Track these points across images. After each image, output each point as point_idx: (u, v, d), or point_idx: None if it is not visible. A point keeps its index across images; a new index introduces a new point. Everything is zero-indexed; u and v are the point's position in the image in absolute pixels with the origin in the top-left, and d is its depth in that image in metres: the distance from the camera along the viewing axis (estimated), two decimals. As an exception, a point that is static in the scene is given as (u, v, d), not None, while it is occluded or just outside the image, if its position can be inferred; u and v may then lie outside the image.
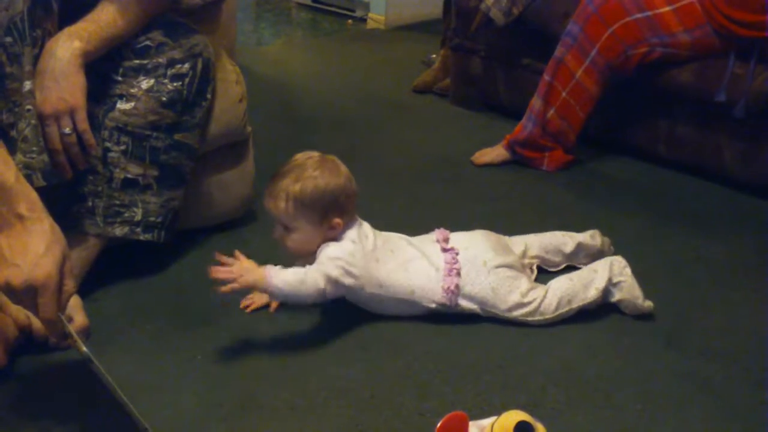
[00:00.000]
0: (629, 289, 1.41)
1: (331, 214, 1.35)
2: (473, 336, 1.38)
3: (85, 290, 1.43)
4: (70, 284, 1.06)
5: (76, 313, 1.34)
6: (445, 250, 1.42)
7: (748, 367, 1.29)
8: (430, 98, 2.83)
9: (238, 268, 1.28)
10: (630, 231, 1.78)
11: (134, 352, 1.33)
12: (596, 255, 1.55)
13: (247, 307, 1.44)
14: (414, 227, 1.51)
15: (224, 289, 1.26)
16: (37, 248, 1.01)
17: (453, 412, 0.92)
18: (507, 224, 1.80)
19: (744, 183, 1.97)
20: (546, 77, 2.09)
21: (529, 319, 1.39)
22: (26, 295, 1.01)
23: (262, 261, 1.37)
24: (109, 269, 1.51)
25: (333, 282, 1.32)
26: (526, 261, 1.51)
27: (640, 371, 1.28)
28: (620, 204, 1.94)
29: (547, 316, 1.39)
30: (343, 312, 1.42)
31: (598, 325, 1.41)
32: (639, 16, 1.96)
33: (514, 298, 1.38)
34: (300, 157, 1.39)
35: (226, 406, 1.19)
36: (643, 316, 1.43)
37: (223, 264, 1.29)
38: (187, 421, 1.16)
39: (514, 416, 0.87)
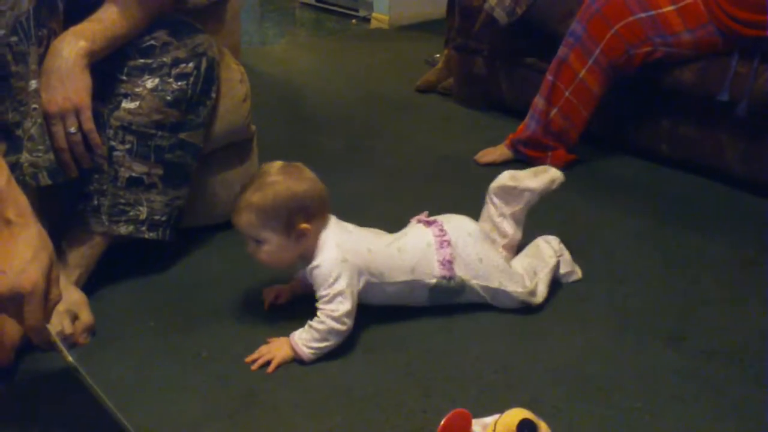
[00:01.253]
0: (569, 263, 1.54)
1: (296, 220, 1.30)
2: (475, 334, 1.38)
3: (90, 288, 1.45)
4: (55, 292, 1.04)
5: (82, 311, 1.35)
6: (429, 224, 1.43)
7: (750, 365, 1.29)
8: (434, 98, 2.83)
9: (267, 350, 1.30)
10: (632, 229, 1.79)
11: (138, 349, 1.34)
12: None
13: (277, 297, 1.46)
14: (417, 226, 1.51)
15: (270, 370, 1.28)
16: (23, 255, 0.99)
17: (456, 409, 0.93)
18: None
19: (745, 182, 1.97)
20: (549, 77, 2.10)
21: (518, 290, 1.42)
22: (11, 302, 0.99)
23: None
24: (114, 267, 1.52)
25: (353, 307, 1.31)
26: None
27: (642, 370, 1.28)
28: (622, 202, 1.94)
29: (529, 288, 1.43)
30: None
31: (599, 324, 1.41)
32: (642, 15, 1.96)
33: (501, 268, 1.42)
34: (264, 166, 1.37)
35: (228, 404, 1.20)
36: (646, 315, 1.43)
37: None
38: (189, 417, 1.17)
39: (517, 414, 0.88)
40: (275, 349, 1.30)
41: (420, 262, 1.38)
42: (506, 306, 1.43)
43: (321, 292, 1.31)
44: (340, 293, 1.29)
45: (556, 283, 1.51)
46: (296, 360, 1.30)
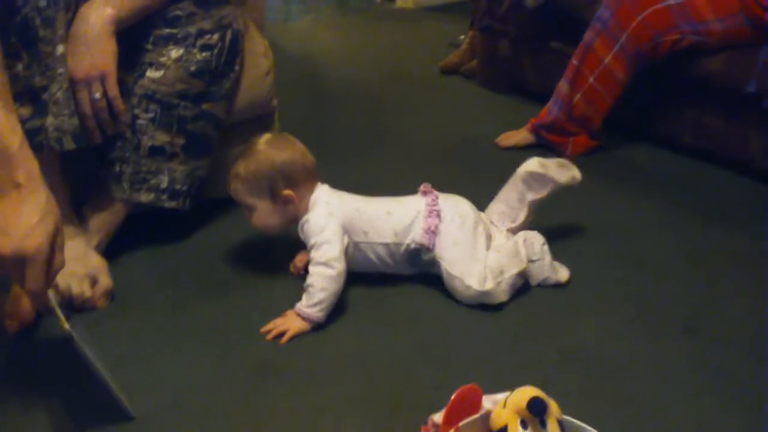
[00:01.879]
0: (547, 269, 1.45)
1: (279, 186, 1.38)
2: (490, 314, 1.39)
3: (110, 254, 1.46)
4: (59, 259, 1.04)
5: (102, 275, 1.38)
6: (425, 193, 1.45)
7: (764, 358, 1.29)
8: (457, 79, 2.82)
9: (282, 321, 1.32)
10: (651, 218, 1.78)
11: (156, 315, 1.36)
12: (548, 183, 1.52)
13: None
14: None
15: (283, 340, 1.29)
16: (30, 218, 0.99)
17: (467, 384, 0.93)
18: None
19: (770, 175, 1.95)
20: (574, 62, 2.08)
21: (473, 286, 1.37)
22: (14, 264, 0.99)
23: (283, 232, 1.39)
24: (134, 235, 1.54)
25: (340, 253, 1.34)
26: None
27: (655, 357, 1.28)
28: (643, 191, 1.93)
29: (485, 289, 1.37)
30: (364, 286, 1.44)
31: (614, 310, 1.41)
32: (671, 2, 1.94)
33: (471, 259, 1.39)
34: (252, 139, 1.45)
35: (244, 371, 1.22)
36: (661, 304, 1.43)
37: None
38: (205, 383, 1.19)
39: (528, 392, 0.88)
40: (290, 321, 1.32)
41: (406, 227, 1.41)
42: (459, 296, 1.40)
43: (310, 243, 1.36)
44: (327, 241, 1.35)
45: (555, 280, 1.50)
46: (313, 330, 1.32)
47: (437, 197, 1.44)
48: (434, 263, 1.42)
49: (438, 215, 1.41)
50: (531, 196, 1.51)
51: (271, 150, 1.41)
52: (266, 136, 1.45)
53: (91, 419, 1.11)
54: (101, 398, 1.10)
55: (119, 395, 1.08)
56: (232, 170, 1.42)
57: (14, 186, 1.00)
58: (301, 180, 1.41)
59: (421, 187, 1.49)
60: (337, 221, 1.38)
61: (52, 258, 1.02)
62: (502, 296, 1.40)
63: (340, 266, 1.34)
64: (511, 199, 1.52)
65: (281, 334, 1.30)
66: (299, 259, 1.50)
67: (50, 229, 1.01)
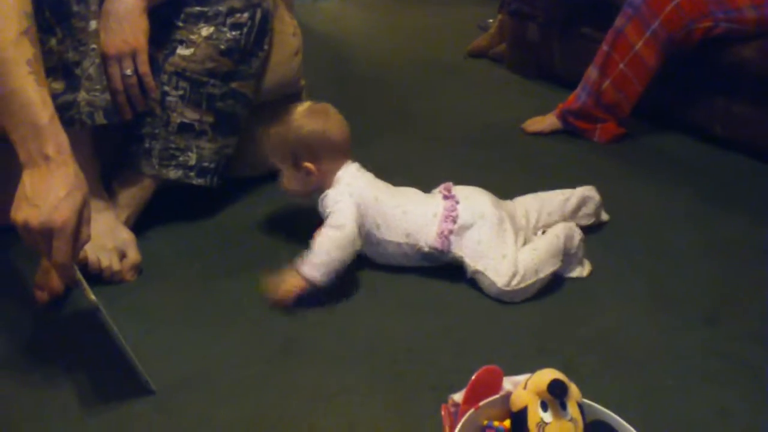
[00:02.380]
0: (575, 263, 1.44)
1: (301, 157, 1.41)
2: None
3: (138, 229, 1.49)
4: (86, 232, 1.05)
5: (130, 249, 1.40)
6: (446, 197, 1.43)
7: (789, 350, 1.28)
8: (485, 63, 2.81)
9: (274, 283, 1.32)
10: (678, 208, 1.76)
11: (182, 290, 1.38)
12: (597, 211, 1.58)
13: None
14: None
15: (282, 303, 1.31)
16: (58, 191, 1.01)
17: (488, 366, 0.94)
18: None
19: (801, 167, 1.93)
20: (604, 47, 2.06)
21: (498, 282, 1.34)
22: (42, 236, 1.01)
23: (308, 211, 1.40)
24: (162, 210, 1.56)
25: (351, 221, 1.34)
26: (532, 229, 1.50)
27: (677, 346, 1.28)
28: (670, 180, 1.91)
29: (512, 288, 1.35)
30: (386, 270, 1.44)
31: (636, 299, 1.40)
32: (705, -11, 1.91)
33: (497, 254, 1.36)
34: (299, 103, 1.47)
35: (269, 349, 1.23)
36: (685, 295, 1.42)
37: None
38: (230, 359, 1.20)
39: (549, 374, 0.89)
40: (283, 281, 1.31)
41: (420, 229, 1.39)
42: (485, 289, 1.38)
43: (325, 211, 1.38)
44: (339, 210, 1.36)
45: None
46: (309, 289, 1.31)
47: (457, 202, 1.41)
48: (454, 261, 1.41)
49: (454, 220, 1.39)
50: (581, 221, 1.53)
51: (303, 120, 1.42)
52: (307, 104, 1.47)
53: (113, 392, 1.12)
54: (124, 371, 1.12)
55: (141, 369, 1.10)
56: (271, 130, 1.46)
57: (44, 159, 1.02)
58: (325, 155, 1.42)
59: (442, 188, 1.46)
60: (354, 202, 1.38)
61: (78, 231, 1.04)
62: (528, 294, 1.38)
63: (350, 230, 1.33)
64: (553, 212, 1.52)
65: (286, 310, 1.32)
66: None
67: (78, 202, 1.03)
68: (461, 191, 1.45)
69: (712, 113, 2.08)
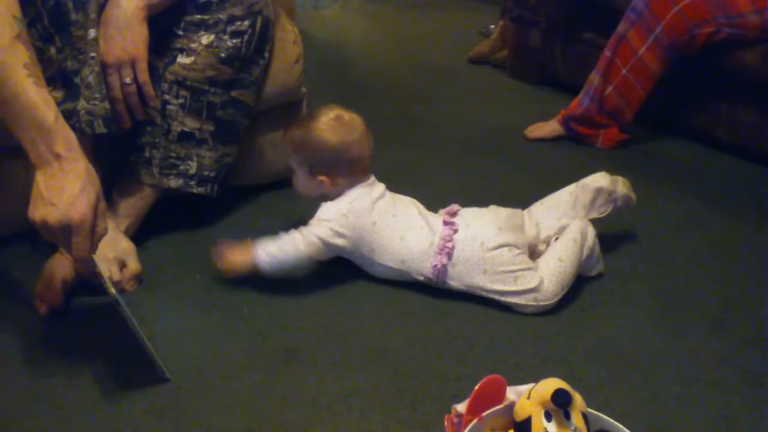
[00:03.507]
0: (595, 260, 1.43)
1: (317, 167, 1.40)
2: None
3: (139, 238, 1.48)
4: (102, 225, 1.08)
5: (130, 259, 1.39)
6: (445, 223, 1.39)
7: (795, 357, 1.27)
8: (486, 69, 2.81)
9: (222, 252, 1.36)
10: (682, 213, 1.75)
11: (183, 299, 1.37)
12: (614, 196, 1.48)
13: None
14: (460, 198, 1.50)
15: (226, 272, 1.37)
16: (72, 188, 1.03)
17: (491, 375, 0.93)
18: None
19: (805, 172, 1.92)
20: (607, 53, 2.05)
21: (521, 303, 1.34)
22: (62, 233, 1.03)
23: (306, 220, 1.40)
24: (162, 220, 1.56)
25: (321, 243, 1.36)
26: (539, 244, 1.45)
27: (682, 354, 1.27)
28: (674, 186, 1.90)
29: (543, 303, 1.34)
30: (386, 280, 1.43)
31: (641, 306, 1.40)
32: (708, -6, 1.90)
33: (507, 282, 1.34)
34: (325, 108, 1.44)
35: (268, 358, 1.22)
36: (689, 301, 1.41)
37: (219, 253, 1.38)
38: (229, 368, 1.20)
39: (553, 383, 0.88)
40: (237, 252, 1.37)
41: (415, 258, 1.37)
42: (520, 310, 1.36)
43: (313, 217, 1.39)
44: (322, 227, 1.37)
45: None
46: (252, 271, 1.36)
47: (456, 231, 1.37)
48: (451, 289, 1.39)
49: (449, 254, 1.35)
50: (589, 214, 1.46)
51: (329, 132, 1.39)
52: (336, 112, 1.42)
53: (130, 380, 1.15)
54: (140, 361, 1.15)
55: (157, 357, 1.13)
56: (293, 126, 1.44)
57: (55, 157, 1.04)
58: (341, 171, 1.40)
59: (446, 212, 1.42)
60: (345, 224, 1.37)
61: (95, 225, 1.06)
62: (547, 306, 1.36)
63: (315, 249, 1.36)
64: (565, 215, 1.46)
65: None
66: None
67: (92, 196, 1.05)
68: (464, 217, 1.41)
69: (715, 118, 2.07)
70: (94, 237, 1.07)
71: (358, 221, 1.37)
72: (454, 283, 1.37)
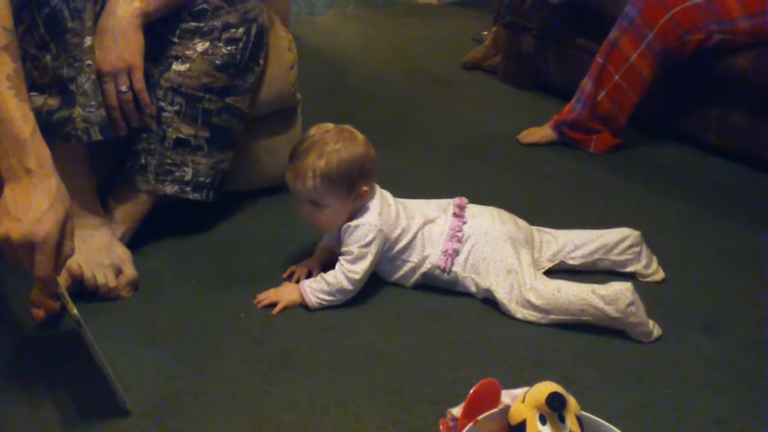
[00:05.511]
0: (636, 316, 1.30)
1: (358, 183, 1.36)
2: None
3: (134, 245, 1.48)
4: (69, 245, 1.05)
5: (126, 266, 1.39)
6: (455, 215, 1.43)
7: (787, 359, 1.28)
8: (479, 75, 2.82)
9: (275, 292, 1.37)
10: (674, 217, 1.77)
11: (179, 305, 1.38)
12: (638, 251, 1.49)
13: (292, 275, 1.47)
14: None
15: (275, 312, 1.35)
16: (40, 204, 1.00)
17: (486, 379, 0.94)
18: (549, 205, 1.80)
19: (796, 176, 1.93)
20: (599, 59, 2.07)
21: (511, 307, 1.34)
22: (24, 250, 1.00)
23: (304, 225, 1.40)
24: (158, 226, 1.56)
25: (366, 275, 1.37)
26: (544, 261, 1.47)
27: (675, 356, 1.28)
28: (666, 190, 1.92)
29: (534, 315, 1.33)
30: (384, 283, 1.44)
31: (635, 309, 1.40)
32: (699, 0, 1.92)
33: (504, 269, 1.36)
34: (316, 131, 1.38)
35: (265, 363, 1.23)
36: (683, 304, 1.42)
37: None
38: (226, 373, 1.20)
39: (547, 387, 0.88)
40: (283, 292, 1.37)
41: (434, 245, 1.41)
42: (500, 306, 1.37)
43: (349, 248, 1.36)
44: (364, 257, 1.35)
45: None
46: (302, 305, 1.36)
47: (465, 222, 1.42)
48: (456, 282, 1.41)
49: (459, 240, 1.40)
50: (617, 267, 1.48)
51: (349, 144, 1.35)
52: (331, 130, 1.38)
53: (93, 410, 1.11)
54: (103, 390, 1.11)
55: (118, 387, 1.08)
56: (303, 165, 1.34)
57: (26, 172, 1.01)
58: (373, 174, 1.39)
59: (456, 205, 1.45)
60: (381, 241, 1.37)
61: (61, 245, 1.03)
62: (540, 318, 1.36)
63: (357, 288, 1.37)
64: (582, 245, 1.47)
65: (273, 305, 1.36)
66: (300, 272, 1.46)
67: (60, 215, 1.02)
68: (472, 210, 1.45)
69: (707, 123, 2.09)
70: (60, 257, 1.03)
71: (390, 232, 1.39)
72: (460, 270, 1.40)
